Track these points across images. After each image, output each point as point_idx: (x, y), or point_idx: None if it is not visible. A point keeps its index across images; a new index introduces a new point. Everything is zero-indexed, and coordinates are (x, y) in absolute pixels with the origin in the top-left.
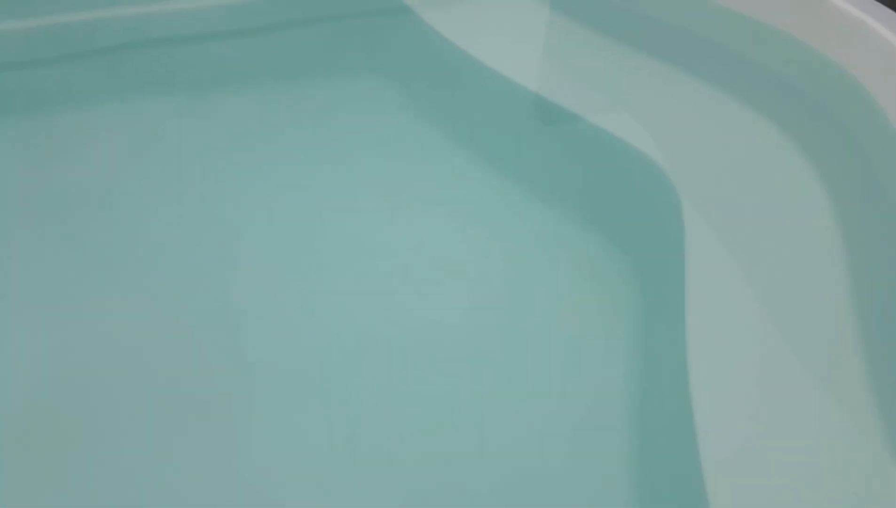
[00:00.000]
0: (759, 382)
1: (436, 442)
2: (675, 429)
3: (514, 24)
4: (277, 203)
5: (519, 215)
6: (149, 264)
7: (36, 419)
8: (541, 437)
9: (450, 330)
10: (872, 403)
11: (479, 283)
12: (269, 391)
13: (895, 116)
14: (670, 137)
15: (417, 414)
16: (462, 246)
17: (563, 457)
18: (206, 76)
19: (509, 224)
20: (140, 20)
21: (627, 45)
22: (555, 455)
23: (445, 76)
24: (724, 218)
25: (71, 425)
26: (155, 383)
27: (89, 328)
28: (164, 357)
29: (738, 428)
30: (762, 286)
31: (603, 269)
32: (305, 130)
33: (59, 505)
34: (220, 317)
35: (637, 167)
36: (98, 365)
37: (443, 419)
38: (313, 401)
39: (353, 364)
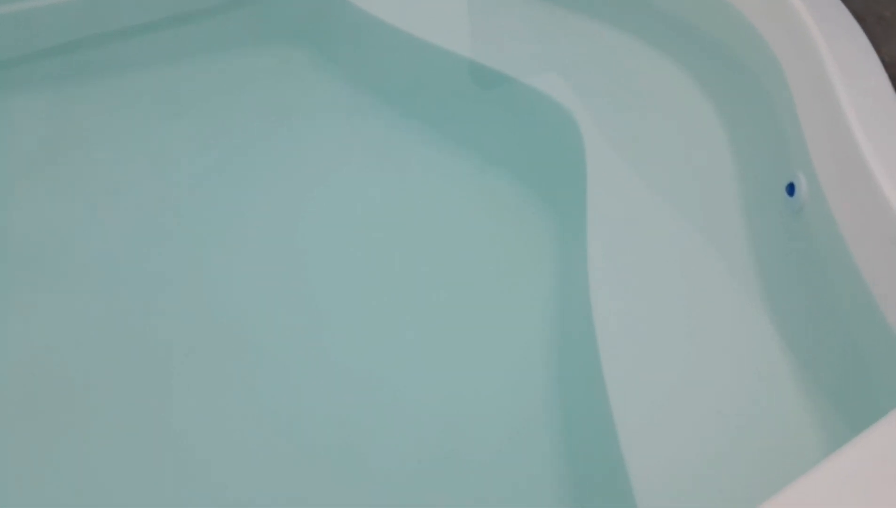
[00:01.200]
0: (657, 299)
1: (383, 369)
2: (582, 345)
3: None
4: (213, 170)
5: (440, 164)
6: (89, 251)
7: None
8: (469, 372)
9: (381, 275)
10: (763, 300)
11: (408, 228)
12: (200, 345)
13: (779, 51)
14: (573, 78)
15: (345, 360)
16: (388, 195)
17: (489, 385)
18: (136, 57)
19: (432, 172)
20: (63, 8)
21: None
22: (481, 384)
23: (360, 40)
24: (623, 151)
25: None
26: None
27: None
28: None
29: (637, 345)
30: (659, 214)
31: (519, 207)
32: (235, 100)
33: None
34: (153, 290)
35: (544, 109)
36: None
37: (371, 357)
38: (239, 355)
39: (264, 331)
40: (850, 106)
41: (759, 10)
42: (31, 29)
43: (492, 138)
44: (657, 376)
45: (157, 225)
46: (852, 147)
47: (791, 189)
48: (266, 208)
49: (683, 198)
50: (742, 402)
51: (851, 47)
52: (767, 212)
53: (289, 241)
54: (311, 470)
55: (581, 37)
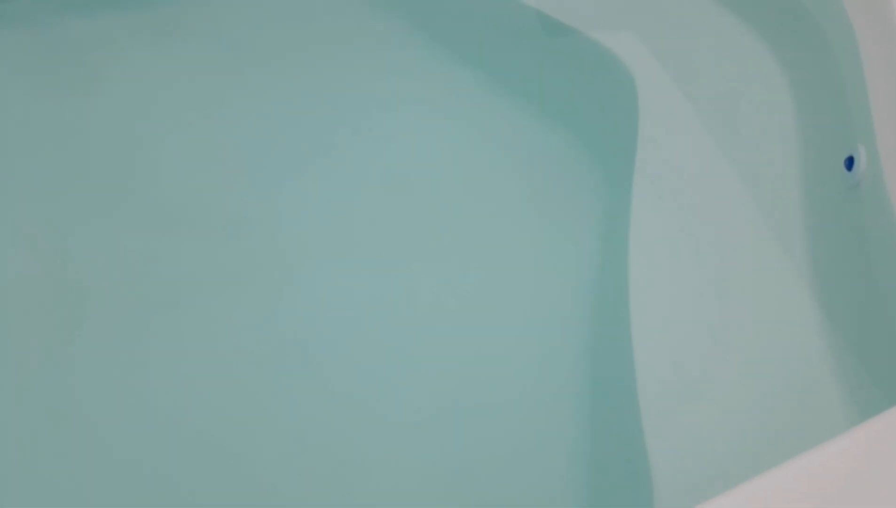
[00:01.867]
0: (696, 266)
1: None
2: (616, 309)
3: None
4: (263, 110)
5: (490, 113)
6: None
7: None
8: (498, 331)
9: (423, 226)
10: (808, 274)
11: (451, 178)
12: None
13: (853, 14)
14: (635, 31)
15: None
16: (434, 142)
17: (518, 344)
18: None
19: (480, 120)
20: None
21: None
22: (509, 343)
23: None
24: (678, 111)
25: None
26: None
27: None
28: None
29: (671, 310)
30: (709, 177)
31: (567, 160)
32: (284, 36)
33: None
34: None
35: (597, 58)
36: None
37: (412, 310)
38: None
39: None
40: None
41: None
42: None
43: (546, 88)
44: (687, 349)
45: (193, 164)
46: None
47: (850, 163)
48: (308, 150)
49: (737, 162)
50: (775, 381)
51: None
52: (823, 184)
53: (331, 183)
54: (322, 408)
55: None
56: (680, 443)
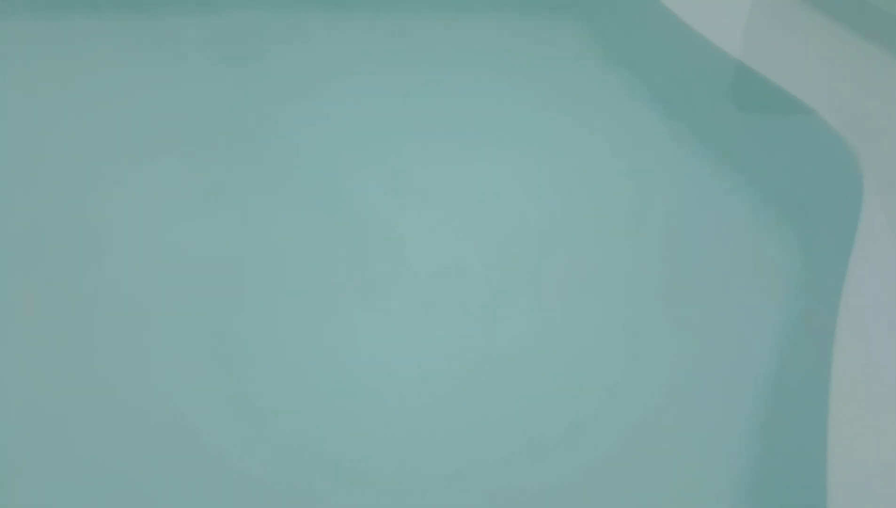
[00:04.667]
0: None
1: None
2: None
3: None
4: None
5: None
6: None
7: None
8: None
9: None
10: None
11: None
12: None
13: None
14: (857, 110)
15: None
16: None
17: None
18: None
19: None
20: None
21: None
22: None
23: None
24: None
25: None
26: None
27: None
28: None
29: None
30: None
31: (763, 233)
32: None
33: None
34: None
35: (820, 138)
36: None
37: None
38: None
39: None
40: None
41: None
42: None
43: (752, 155)
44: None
45: None
46: None
47: None
48: None
49: None
50: None
51: None
52: None
53: None
54: None
55: (876, 70)
56: None
